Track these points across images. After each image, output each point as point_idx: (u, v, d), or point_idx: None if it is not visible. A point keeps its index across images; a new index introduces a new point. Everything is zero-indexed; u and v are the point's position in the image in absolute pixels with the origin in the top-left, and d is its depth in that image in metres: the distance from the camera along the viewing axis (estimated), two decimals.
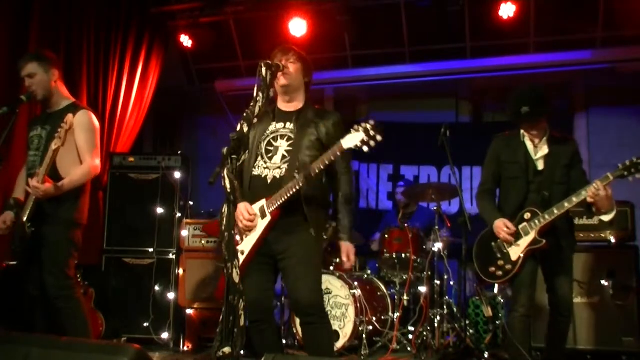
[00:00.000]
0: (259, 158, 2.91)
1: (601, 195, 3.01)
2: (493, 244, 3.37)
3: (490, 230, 3.36)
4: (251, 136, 2.95)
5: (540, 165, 3.31)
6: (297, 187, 2.74)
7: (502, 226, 3.27)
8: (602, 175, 3.04)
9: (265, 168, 2.87)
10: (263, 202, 2.83)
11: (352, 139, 2.61)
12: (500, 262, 3.32)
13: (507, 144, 3.42)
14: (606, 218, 3.26)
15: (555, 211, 3.14)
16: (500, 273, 3.32)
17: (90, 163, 3.53)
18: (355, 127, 2.62)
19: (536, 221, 3.20)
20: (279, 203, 2.77)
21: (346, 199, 2.96)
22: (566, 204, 3.12)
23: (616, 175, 3.01)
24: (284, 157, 2.85)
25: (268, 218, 2.80)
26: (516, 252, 3.26)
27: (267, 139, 2.93)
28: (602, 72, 5.97)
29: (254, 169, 2.89)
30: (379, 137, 2.58)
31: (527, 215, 3.25)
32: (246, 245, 2.83)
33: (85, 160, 3.52)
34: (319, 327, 2.84)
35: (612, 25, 5.44)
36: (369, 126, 2.57)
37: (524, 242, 3.24)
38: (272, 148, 2.90)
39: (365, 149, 2.59)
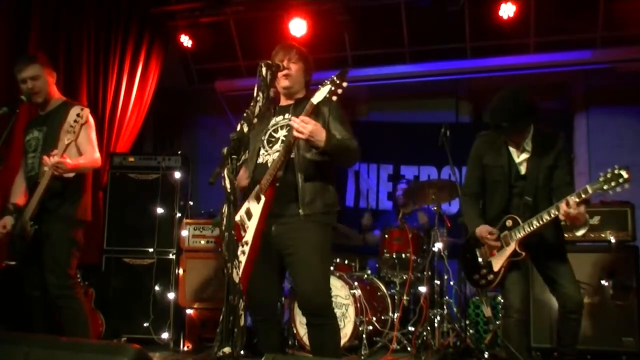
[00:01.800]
0: (262, 149, 2.93)
1: (572, 214, 2.89)
2: (478, 251, 3.32)
3: (475, 236, 3.31)
4: (254, 134, 2.96)
5: (523, 169, 3.21)
6: (282, 160, 2.73)
7: (486, 234, 3.19)
8: (582, 187, 2.90)
9: (266, 155, 2.90)
10: (256, 188, 2.82)
11: (321, 94, 2.66)
12: (483, 271, 3.28)
13: (489, 146, 3.30)
14: (579, 232, 3.19)
15: (535, 223, 3.05)
16: (483, 282, 3.29)
17: (92, 153, 3.56)
18: (322, 83, 2.66)
19: (517, 232, 3.12)
20: (269, 181, 2.75)
21: (345, 139, 2.84)
22: (545, 217, 3.02)
23: (595, 188, 2.86)
24: (282, 142, 2.86)
25: (262, 199, 2.76)
26: (498, 262, 3.19)
27: (269, 132, 2.95)
28: (602, 72, 5.97)
29: (258, 158, 2.92)
30: (344, 84, 2.62)
31: (509, 223, 3.17)
32: (249, 234, 2.79)
33: (86, 151, 3.55)
34: (326, 328, 2.83)
35: (612, 25, 5.44)
36: (334, 77, 2.63)
37: (505, 252, 3.17)
38: (273, 139, 2.93)
39: (335, 98, 2.63)
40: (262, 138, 2.95)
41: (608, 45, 5.54)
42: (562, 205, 2.91)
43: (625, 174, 2.79)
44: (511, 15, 5.40)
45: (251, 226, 2.78)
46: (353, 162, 3.10)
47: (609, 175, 2.83)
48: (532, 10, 5.49)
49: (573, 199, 2.89)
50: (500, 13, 5.42)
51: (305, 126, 2.62)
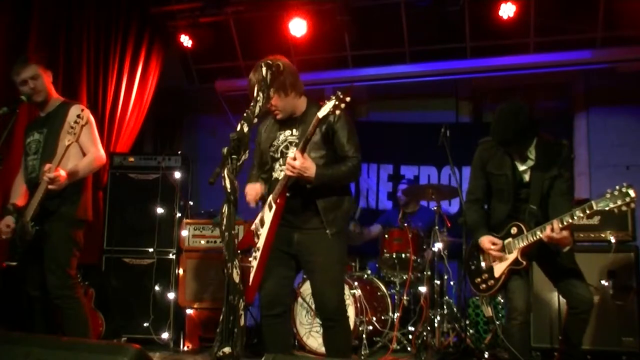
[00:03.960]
0: (277, 164, 3.04)
1: (555, 239, 2.93)
2: (481, 256, 3.32)
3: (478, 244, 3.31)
4: (262, 141, 3.12)
5: (527, 177, 3.21)
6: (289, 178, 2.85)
7: (489, 245, 3.20)
8: (586, 204, 2.89)
9: (281, 171, 2.98)
10: (269, 198, 2.94)
11: (325, 108, 2.78)
12: (485, 276, 3.29)
13: (492, 153, 3.30)
14: (564, 250, 3.19)
15: (539, 233, 3.04)
16: (484, 286, 3.29)
17: (96, 152, 3.57)
18: (328, 98, 2.80)
19: (520, 240, 3.12)
20: (280, 190, 2.87)
21: (340, 165, 2.96)
22: (539, 233, 3.02)
23: (601, 206, 2.84)
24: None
25: (274, 207, 2.88)
26: (499, 269, 3.20)
27: (280, 148, 3.05)
28: (602, 72, 5.96)
29: (273, 173, 3.04)
30: (347, 99, 2.76)
31: (514, 230, 3.18)
32: (261, 241, 2.89)
33: (89, 151, 3.55)
34: (339, 330, 2.96)
35: (612, 25, 5.43)
36: (338, 92, 2.77)
37: (507, 260, 3.17)
38: (286, 156, 3.00)
39: (338, 112, 2.77)
40: (276, 155, 3.04)
41: (608, 45, 5.53)
42: (547, 229, 2.94)
43: (632, 193, 2.79)
44: (511, 15, 5.40)
45: (263, 233, 2.90)
46: (352, 181, 3.26)
47: (615, 193, 2.82)
48: (532, 10, 5.48)
49: (557, 225, 2.92)
50: (500, 13, 5.41)
51: (293, 164, 2.78)
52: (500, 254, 3.18)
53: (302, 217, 2.95)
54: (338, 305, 2.93)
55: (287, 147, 3.02)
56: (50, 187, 3.31)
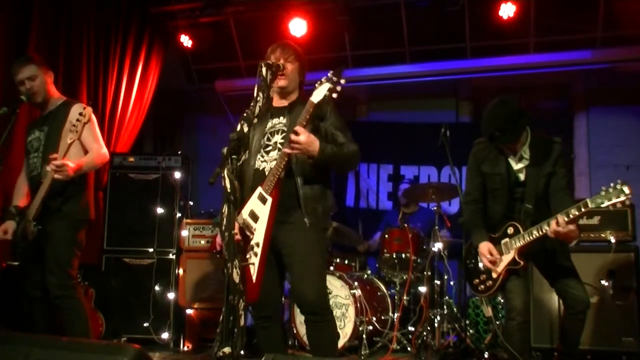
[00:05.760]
0: (258, 154, 2.95)
1: (562, 233, 2.90)
2: (479, 257, 3.31)
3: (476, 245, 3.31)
4: (251, 136, 2.99)
5: (522, 176, 3.21)
6: (285, 160, 2.76)
7: (486, 253, 3.19)
8: (582, 200, 2.89)
9: (263, 162, 2.92)
10: (259, 189, 2.83)
11: (320, 92, 2.70)
12: (483, 277, 3.29)
13: (487, 153, 3.30)
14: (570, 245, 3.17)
15: (535, 233, 3.04)
16: (482, 287, 3.29)
17: (98, 149, 3.56)
18: (318, 82, 2.72)
19: (516, 240, 3.12)
20: (273, 182, 2.77)
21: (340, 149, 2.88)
22: (545, 227, 3.01)
23: (596, 203, 2.83)
24: (279, 149, 2.88)
25: (269, 200, 2.78)
26: (496, 269, 3.21)
27: (266, 135, 2.97)
28: (602, 72, 5.97)
29: (254, 164, 2.94)
30: (342, 81, 2.68)
31: (510, 230, 3.18)
32: (258, 236, 2.79)
33: (92, 148, 3.55)
34: (322, 325, 2.85)
35: (612, 25, 5.44)
36: (329, 74, 2.69)
37: (504, 260, 3.17)
38: (270, 143, 2.95)
39: (335, 95, 2.69)
40: (261, 142, 2.96)
41: (608, 45, 5.54)
42: (552, 224, 2.92)
43: (627, 190, 2.78)
44: (511, 15, 5.40)
45: (260, 227, 2.79)
46: (353, 167, 3.14)
47: (610, 190, 2.82)
48: (532, 10, 5.49)
49: (562, 218, 2.89)
50: (500, 13, 5.42)
51: (298, 139, 2.68)
52: (490, 266, 3.18)
53: (283, 209, 2.82)
54: (318, 298, 2.80)
55: (272, 134, 2.94)
56: (56, 176, 3.28)
